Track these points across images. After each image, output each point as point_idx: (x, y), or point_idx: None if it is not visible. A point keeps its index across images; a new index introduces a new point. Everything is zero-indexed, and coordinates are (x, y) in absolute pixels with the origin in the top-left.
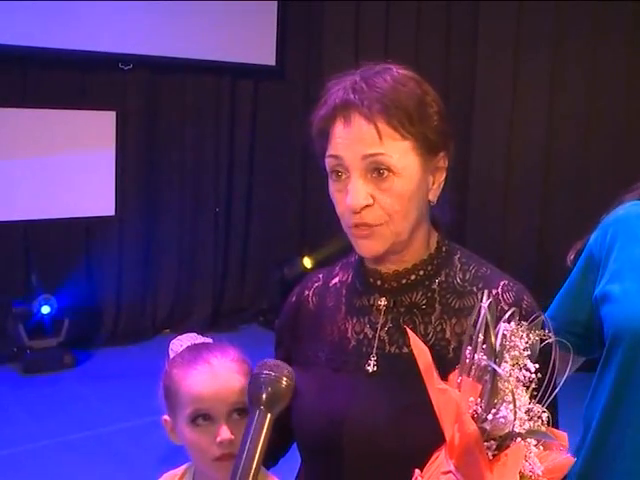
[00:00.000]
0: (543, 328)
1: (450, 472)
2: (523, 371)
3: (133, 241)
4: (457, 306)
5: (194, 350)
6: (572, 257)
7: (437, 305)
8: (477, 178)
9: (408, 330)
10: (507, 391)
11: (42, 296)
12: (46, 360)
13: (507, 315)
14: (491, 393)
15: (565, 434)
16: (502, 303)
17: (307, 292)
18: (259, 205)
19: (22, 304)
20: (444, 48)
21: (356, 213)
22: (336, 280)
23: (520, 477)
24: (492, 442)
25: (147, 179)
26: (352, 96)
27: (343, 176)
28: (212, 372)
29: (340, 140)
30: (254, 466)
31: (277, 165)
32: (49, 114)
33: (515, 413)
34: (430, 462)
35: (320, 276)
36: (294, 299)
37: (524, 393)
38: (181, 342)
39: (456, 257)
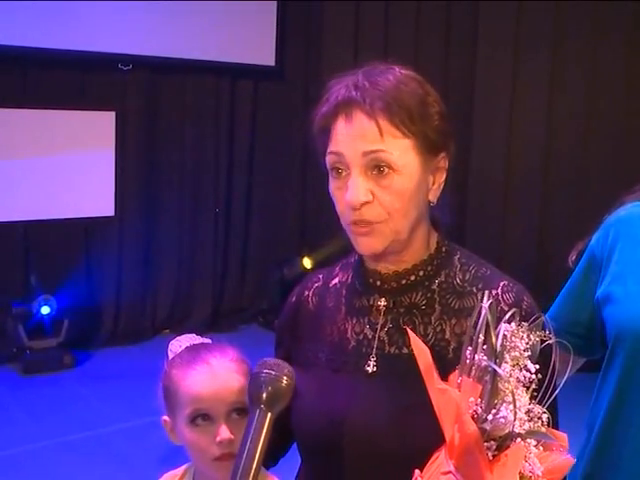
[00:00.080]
0: (543, 329)
1: (450, 472)
2: (523, 372)
3: (133, 241)
4: (457, 306)
5: (193, 350)
6: (573, 258)
7: (437, 305)
8: (477, 178)
9: (408, 330)
10: (507, 392)
11: (42, 296)
12: (46, 360)
13: (508, 316)
14: (491, 393)
15: (565, 435)
16: (502, 304)
17: (307, 292)
18: (259, 205)
19: (22, 304)
20: (444, 48)
21: (355, 210)
22: (336, 280)
23: (520, 477)
24: (492, 442)
25: (147, 179)
26: (354, 93)
27: (343, 173)
28: (211, 372)
29: (341, 137)
30: (254, 466)
31: (277, 165)
32: (49, 114)
33: (515, 414)
34: (430, 462)
35: (320, 276)
36: (294, 299)
37: (524, 394)
38: (180, 343)
39: (456, 257)
